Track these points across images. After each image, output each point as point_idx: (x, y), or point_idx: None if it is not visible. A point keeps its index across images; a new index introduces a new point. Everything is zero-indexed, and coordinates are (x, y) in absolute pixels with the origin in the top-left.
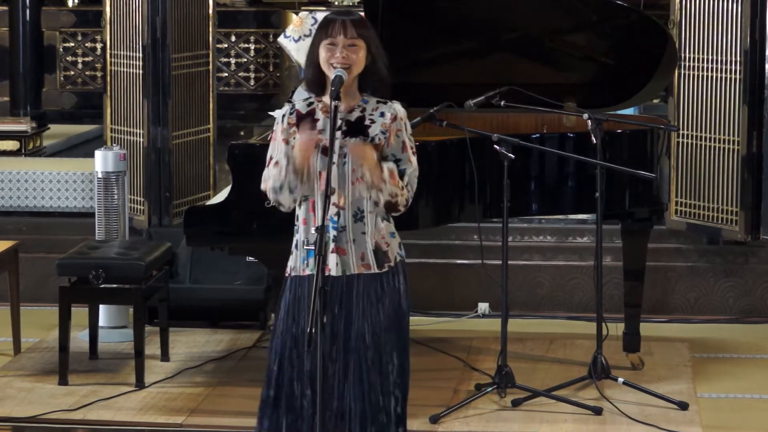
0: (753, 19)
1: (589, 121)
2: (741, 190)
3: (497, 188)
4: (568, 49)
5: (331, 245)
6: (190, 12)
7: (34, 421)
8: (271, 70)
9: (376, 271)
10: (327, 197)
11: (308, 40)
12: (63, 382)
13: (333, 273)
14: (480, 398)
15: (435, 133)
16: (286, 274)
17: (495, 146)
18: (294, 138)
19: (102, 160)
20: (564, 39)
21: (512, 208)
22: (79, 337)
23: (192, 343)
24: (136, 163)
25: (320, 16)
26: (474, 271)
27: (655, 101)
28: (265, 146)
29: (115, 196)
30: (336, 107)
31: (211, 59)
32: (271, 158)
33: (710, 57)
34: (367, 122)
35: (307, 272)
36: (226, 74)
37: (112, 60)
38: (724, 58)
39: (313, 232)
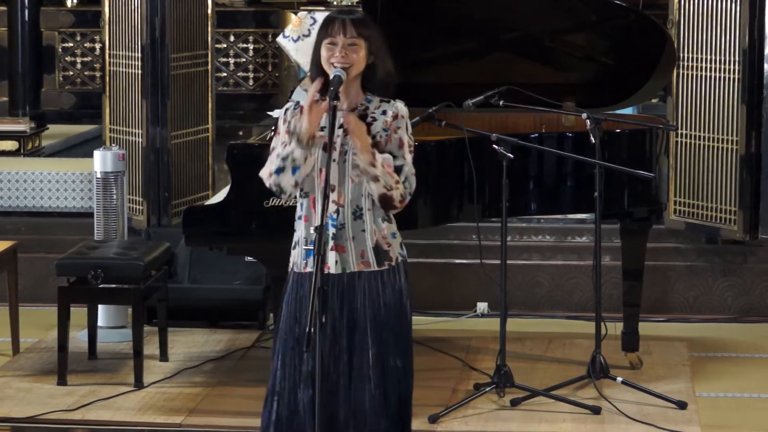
0: (752, 19)
1: (588, 120)
2: (739, 189)
3: (496, 188)
4: (567, 48)
5: (331, 243)
6: (189, 12)
7: (33, 422)
8: (270, 70)
9: (376, 268)
10: (326, 196)
11: (307, 40)
12: (62, 382)
13: (332, 271)
14: (479, 398)
15: (434, 133)
16: (289, 269)
17: (494, 146)
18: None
19: (101, 160)
20: (563, 39)
21: (511, 208)
22: (78, 337)
23: (191, 343)
24: (135, 163)
25: (319, 16)
26: (473, 270)
27: (654, 101)
28: (264, 146)
29: (114, 196)
30: (335, 106)
31: (209, 59)
32: (273, 149)
33: (709, 57)
34: (369, 120)
35: (308, 269)
36: (225, 74)
37: (111, 60)
38: (722, 58)
39: (312, 231)
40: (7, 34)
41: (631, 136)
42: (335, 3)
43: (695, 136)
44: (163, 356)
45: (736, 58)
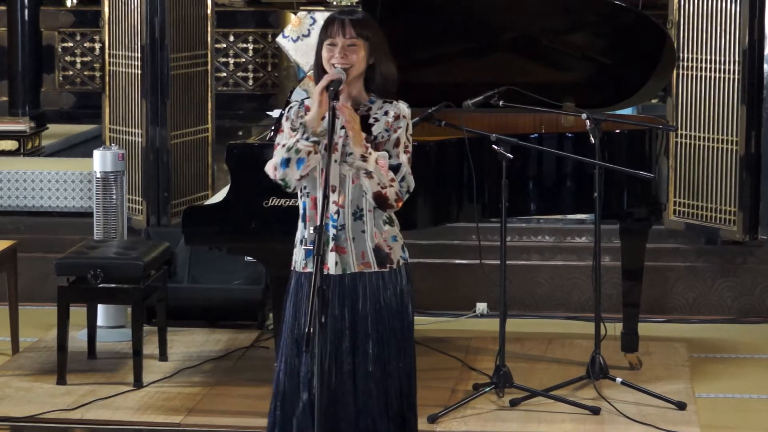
0: (751, 19)
1: (588, 121)
2: (739, 190)
3: (496, 188)
4: (567, 49)
5: (331, 243)
6: (189, 12)
7: (33, 421)
8: (269, 70)
9: (376, 269)
10: (325, 197)
11: (306, 40)
12: (61, 381)
13: (332, 272)
14: (478, 398)
15: (434, 133)
16: (291, 268)
17: (493, 146)
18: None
19: (100, 160)
20: (562, 39)
21: (511, 208)
22: (78, 337)
23: (190, 342)
24: (135, 162)
25: (319, 16)
26: (472, 270)
27: (654, 101)
28: (263, 146)
29: (114, 196)
30: (334, 107)
31: (209, 59)
32: (277, 145)
33: (709, 57)
34: (371, 121)
35: (308, 269)
36: (225, 74)
37: (111, 60)
38: (722, 58)
39: (311, 231)
40: (7, 33)
41: (631, 136)
42: (334, 3)
43: (695, 136)
44: (163, 356)
45: (736, 59)
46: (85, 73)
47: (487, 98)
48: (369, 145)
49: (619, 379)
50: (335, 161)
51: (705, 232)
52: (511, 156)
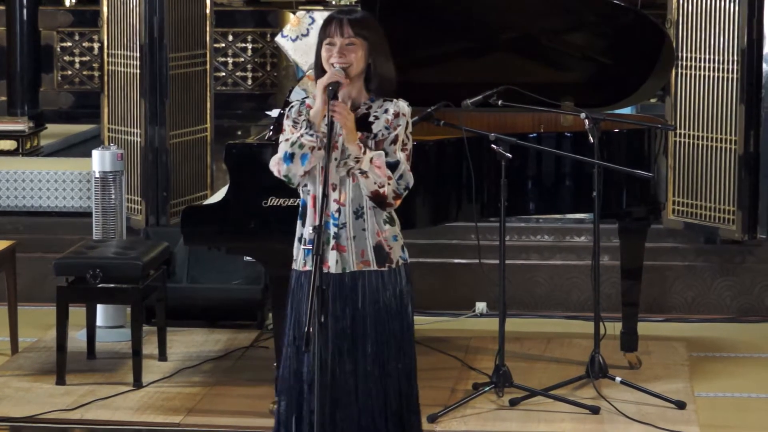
0: (750, 19)
1: (587, 120)
2: (738, 189)
3: (495, 188)
4: (566, 48)
5: (332, 242)
6: (188, 11)
7: (32, 421)
8: (268, 69)
9: (376, 268)
10: (325, 196)
11: (305, 40)
12: (60, 381)
13: (333, 270)
14: (477, 397)
15: (433, 133)
16: (291, 266)
17: (492, 146)
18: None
19: (99, 160)
20: (561, 38)
21: (510, 208)
22: (77, 337)
23: (189, 342)
24: (134, 162)
25: (318, 15)
26: (472, 270)
27: (653, 100)
28: (262, 145)
29: (113, 196)
30: (333, 107)
31: (208, 59)
32: (280, 142)
33: (707, 56)
34: (371, 119)
35: (307, 267)
36: (224, 74)
37: (110, 60)
38: (721, 58)
39: (310, 231)
40: (6, 33)
41: (630, 135)
42: (333, 3)
43: (694, 135)
44: (162, 356)
45: (735, 58)
46: (84, 72)
47: (486, 98)
48: (362, 144)
49: (618, 379)
50: (335, 159)
51: (704, 232)
52: (510, 155)
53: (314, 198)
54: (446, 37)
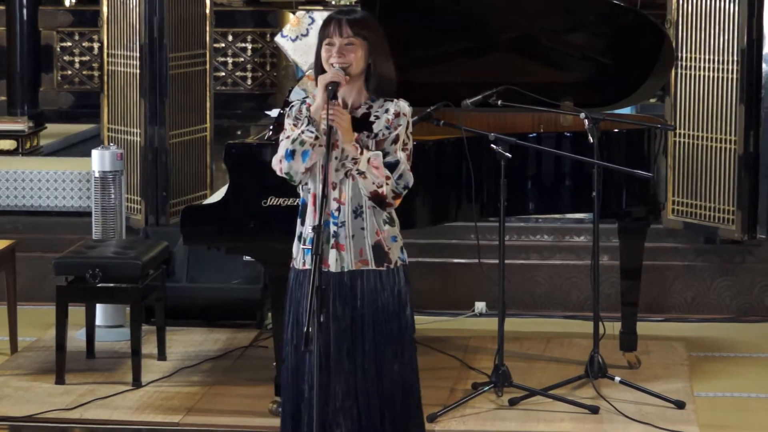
0: (750, 19)
1: (586, 120)
2: (738, 189)
3: (494, 187)
4: (566, 48)
5: (332, 241)
6: (188, 11)
7: (31, 420)
8: (268, 69)
9: (374, 267)
10: (324, 195)
11: (305, 40)
12: (60, 381)
13: (332, 269)
14: (477, 397)
15: (432, 133)
16: (291, 266)
17: (492, 145)
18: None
19: (99, 160)
20: (561, 38)
21: (509, 208)
22: (76, 336)
23: (189, 342)
24: (133, 162)
25: (317, 15)
26: (471, 270)
27: (652, 100)
28: (261, 145)
29: (112, 196)
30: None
31: (208, 59)
32: (281, 141)
33: (707, 56)
34: (372, 119)
35: (307, 266)
36: (223, 74)
37: (109, 59)
38: (721, 58)
39: (310, 231)
40: (6, 33)
41: (629, 135)
42: (333, 3)
43: (693, 135)
44: (161, 355)
45: (735, 58)
46: (84, 72)
47: (485, 97)
48: (358, 145)
49: (617, 378)
50: (336, 158)
51: (703, 232)
52: (509, 155)
53: (314, 196)
54: (446, 37)
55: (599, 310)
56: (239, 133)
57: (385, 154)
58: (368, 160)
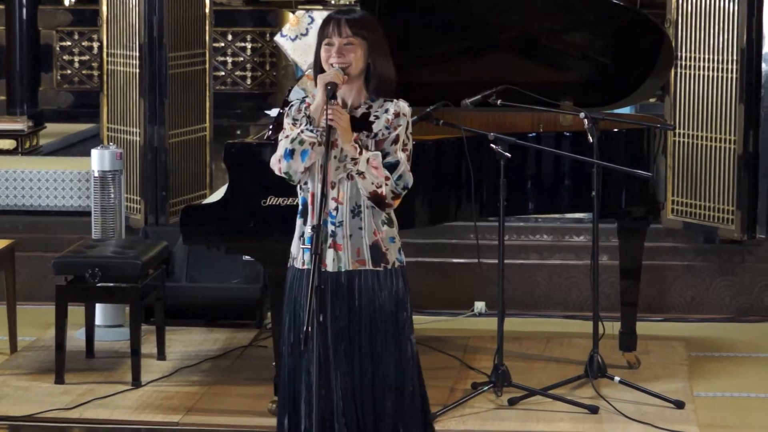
0: (749, 18)
1: (586, 120)
2: (737, 188)
3: (494, 187)
4: (565, 48)
5: (329, 240)
6: (187, 11)
7: (31, 420)
8: (267, 69)
9: (371, 267)
10: (323, 195)
11: (305, 39)
12: (59, 380)
13: (330, 269)
14: (476, 397)
15: (432, 133)
16: (289, 264)
17: (492, 145)
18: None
19: (98, 159)
20: (561, 38)
21: (509, 207)
22: (76, 336)
23: (188, 341)
24: (133, 162)
25: (317, 15)
26: (471, 269)
27: (652, 100)
28: (261, 145)
29: (112, 195)
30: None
31: (207, 58)
32: (280, 140)
33: (707, 56)
34: (371, 119)
35: (306, 266)
36: (223, 73)
37: (109, 59)
38: (720, 57)
39: (309, 231)
40: (5, 32)
41: (629, 135)
42: (332, 2)
43: (693, 135)
44: (161, 355)
45: (734, 58)
46: (83, 72)
47: (485, 97)
48: (357, 145)
49: (617, 378)
50: (335, 158)
51: (703, 231)
52: (509, 155)
53: (313, 196)
54: (446, 36)
55: (599, 309)
56: (239, 132)
57: (385, 155)
58: (367, 161)
